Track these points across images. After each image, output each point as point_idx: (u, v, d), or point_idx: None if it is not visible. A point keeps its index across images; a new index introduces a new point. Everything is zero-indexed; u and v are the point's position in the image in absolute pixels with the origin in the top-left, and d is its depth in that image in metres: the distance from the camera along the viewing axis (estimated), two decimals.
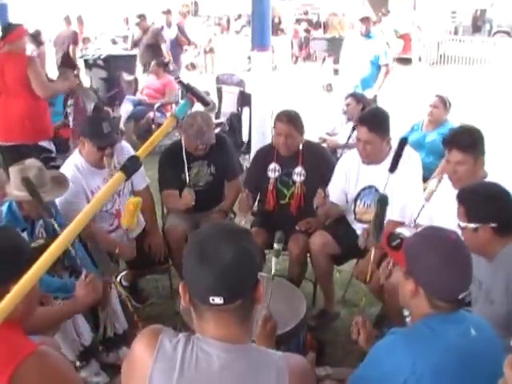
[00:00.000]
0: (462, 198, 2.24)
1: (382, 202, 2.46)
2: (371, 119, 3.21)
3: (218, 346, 1.36)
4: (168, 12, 9.66)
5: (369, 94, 6.05)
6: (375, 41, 6.32)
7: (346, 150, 4.72)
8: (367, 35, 6.28)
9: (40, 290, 1.81)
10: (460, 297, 1.64)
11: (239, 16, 18.95)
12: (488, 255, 2.22)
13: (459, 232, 2.18)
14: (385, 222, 2.51)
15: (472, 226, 2.18)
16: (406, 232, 1.84)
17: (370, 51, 6.24)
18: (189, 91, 1.83)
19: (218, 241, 1.36)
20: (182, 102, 1.88)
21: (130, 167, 1.68)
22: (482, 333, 1.64)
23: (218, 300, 1.32)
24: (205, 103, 1.85)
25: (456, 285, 1.65)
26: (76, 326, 2.69)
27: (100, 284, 2.46)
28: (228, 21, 20.21)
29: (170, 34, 9.36)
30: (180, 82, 1.90)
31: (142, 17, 9.69)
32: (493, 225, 2.14)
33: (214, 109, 1.76)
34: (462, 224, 2.22)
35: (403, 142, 2.98)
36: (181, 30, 9.62)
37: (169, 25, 9.53)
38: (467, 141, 2.72)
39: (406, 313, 2.11)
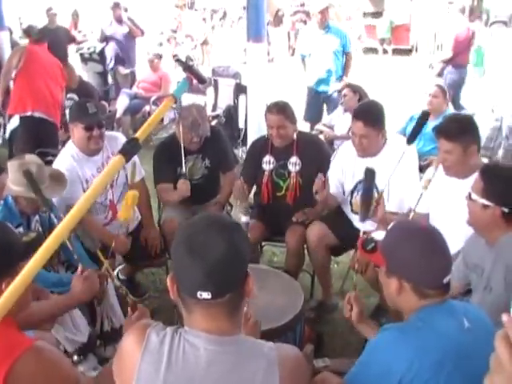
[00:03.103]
0: (484, 173, 2.19)
1: (368, 174, 2.47)
2: (366, 113, 3.18)
3: (205, 338, 1.35)
4: (116, 6, 8.17)
5: (338, 85, 5.91)
6: (335, 32, 6.07)
7: (340, 141, 4.68)
8: (326, 27, 6.00)
9: (36, 285, 1.79)
10: (445, 281, 1.64)
11: (244, 8, 18.69)
12: (488, 236, 2.21)
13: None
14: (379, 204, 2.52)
15: (484, 202, 2.15)
16: (378, 235, 1.84)
17: (331, 43, 5.99)
18: (187, 69, 1.81)
19: (206, 234, 1.33)
20: (180, 81, 1.87)
21: (130, 150, 1.61)
22: (475, 324, 1.63)
23: (206, 295, 1.30)
24: (202, 81, 1.85)
25: (438, 269, 1.64)
26: (73, 320, 2.67)
27: (97, 280, 2.40)
28: (225, 13, 20.04)
29: (121, 31, 8.19)
30: (178, 60, 1.91)
31: None
32: (504, 209, 2.11)
33: (210, 85, 1.79)
34: (474, 197, 2.19)
35: (425, 115, 2.74)
36: (133, 21, 8.41)
37: (118, 20, 8.17)
38: (454, 130, 2.70)
39: None
